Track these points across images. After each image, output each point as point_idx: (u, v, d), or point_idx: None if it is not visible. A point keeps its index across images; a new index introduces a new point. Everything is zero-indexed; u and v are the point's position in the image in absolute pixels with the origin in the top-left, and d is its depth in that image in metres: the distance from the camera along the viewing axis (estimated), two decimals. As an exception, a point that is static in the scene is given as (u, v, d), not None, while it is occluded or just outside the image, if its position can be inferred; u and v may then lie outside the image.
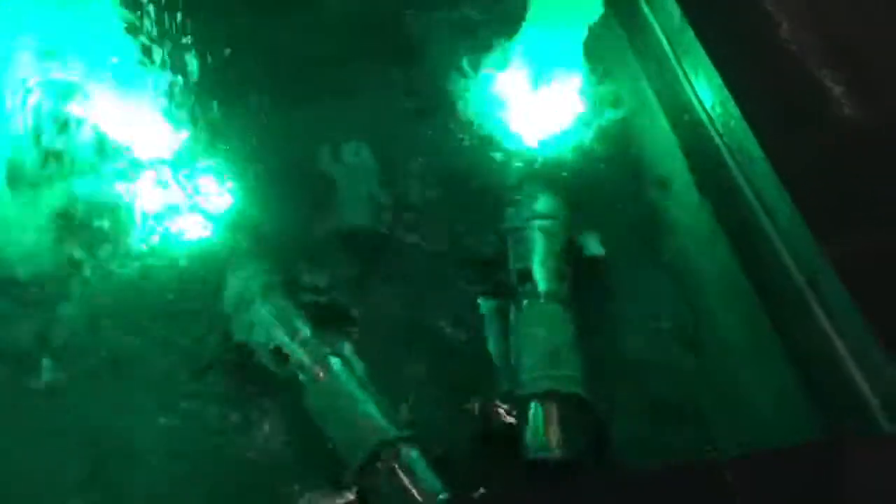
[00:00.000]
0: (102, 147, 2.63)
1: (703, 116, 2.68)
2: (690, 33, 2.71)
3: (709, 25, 2.72)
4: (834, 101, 2.46)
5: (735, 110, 2.48)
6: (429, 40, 3.29)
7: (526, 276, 2.64)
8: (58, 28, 2.48)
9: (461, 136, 3.02)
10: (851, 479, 1.83)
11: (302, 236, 2.77)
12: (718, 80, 2.56)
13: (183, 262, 2.66)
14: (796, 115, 2.46)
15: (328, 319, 2.58)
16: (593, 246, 2.76)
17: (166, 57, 2.75)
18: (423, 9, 3.40)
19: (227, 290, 2.56)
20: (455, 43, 3.26)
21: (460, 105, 3.09)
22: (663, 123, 2.98)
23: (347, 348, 2.50)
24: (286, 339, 2.47)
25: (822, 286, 2.13)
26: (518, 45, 3.05)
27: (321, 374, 2.41)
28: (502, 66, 3.08)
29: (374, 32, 3.31)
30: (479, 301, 2.63)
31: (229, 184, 2.79)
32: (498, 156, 2.99)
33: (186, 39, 2.83)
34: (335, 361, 2.44)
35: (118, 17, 2.59)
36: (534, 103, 3.05)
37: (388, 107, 3.09)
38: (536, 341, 2.49)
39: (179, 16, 2.83)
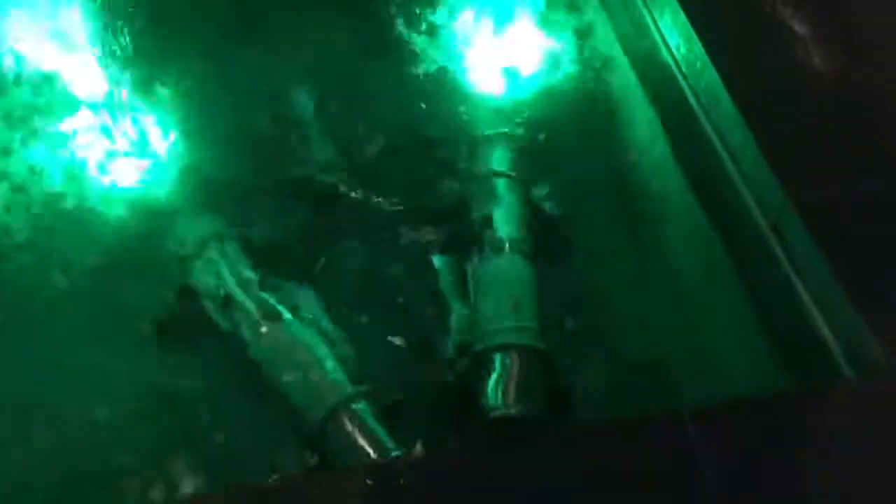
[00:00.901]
0: (33, 82, 2.49)
1: (668, 57, 2.58)
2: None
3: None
4: (807, 44, 2.37)
5: (700, 50, 2.38)
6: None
7: (488, 223, 2.57)
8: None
9: (416, 83, 2.91)
10: (813, 428, 1.78)
11: (250, 185, 2.65)
12: (683, 18, 2.46)
13: (123, 210, 2.54)
14: (766, 57, 2.37)
15: (279, 271, 2.50)
16: (549, 198, 2.70)
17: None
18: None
19: (174, 237, 2.47)
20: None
21: (415, 50, 2.98)
22: (626, 64, 2.88)
23: (300, 298, 2.43)
24: (236, 288, 2.39)
25: (786, 232, 2.06)
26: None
27: (272, 325, 2.34)
28: (457, 7, 2.96)
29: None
30: (434, 258, 2.54)
31: (171, 130, 2.67)
32: (454, 102, 2.89)
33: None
34: (286, 311, 2.37)
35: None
36: (491, 47, 2.95)
37: (338, 52, 2.97)
38: (499, 292, 2.43)
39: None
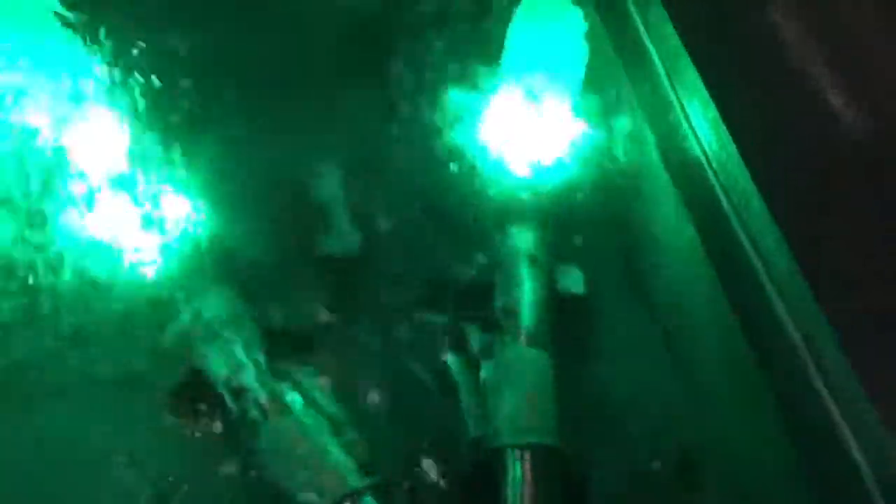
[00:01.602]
0: (57, 158, 2.47)
1: (698, 151, 2.52)
2: (686, 59, 2.54)
3: (706, 52, 2.56)
4: (844, 143, 2.31)
5: (731, 147, 2.32)
6: (412, 60, 3.12)
7: (507, 310, 2.51)
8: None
9: (441, 162, 2.86)
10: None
11: (271, 260, 2.62)
12: (714, 113, 2.40)
13: (140, 285, 2.50)
14: (803, 156, 2.30)
15: (292, 350, 2.46)
16: (574, 283, 2.64)
17: (132, 64, 2.61)
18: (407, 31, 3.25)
19: (187, 314, 2.42)
20: (441, 63, 3.09)
21: (445, 128, 2.93)
22: (656, 154, 2.82)
23: (311, 380, 2.38)
24: (247, 373, 2.34)
25: (819, 344, 1.97)
26: (506, 66, 2.88)
27: (281, 414, 2.28)
28: (489, 86, 2.92)
29: (353, 50, 3.14)
30: (450, 344, 2.48)
31: (195, 203, 2.63)
32: (482, 182, 2.83)
33: (154, 50, 2.71)
34: (297, 398, 2.32)
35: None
36: (522, 128, 2.89)
37: (367, 127, 2.94)
38: (515, 386, 2.37)
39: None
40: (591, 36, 2.97)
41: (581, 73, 2.85)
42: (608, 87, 3.00)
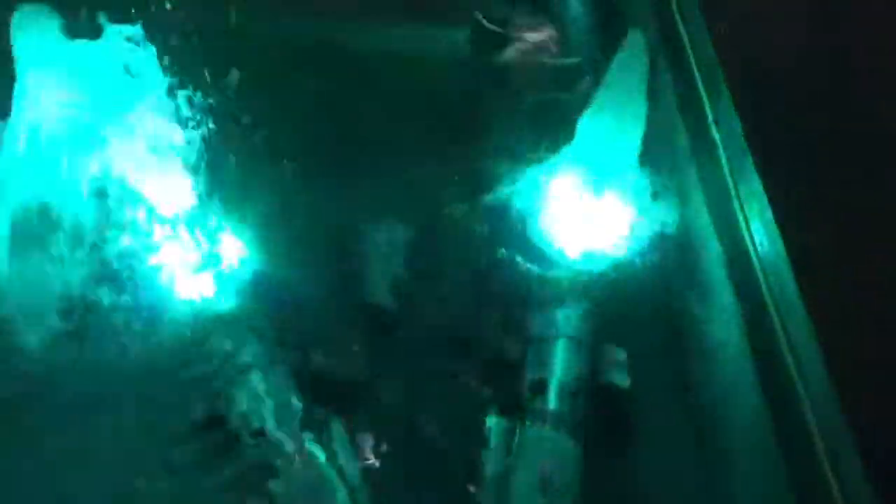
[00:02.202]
0: (119, 198, 2.57)
1: (752, 251, 2.48)
2: (749, 160, 2.52)
3: (771, 152, 2.53)
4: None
5: (782, 251, 2.28)
6: (484, 137, 3.17)
7: (539, 387, 2.49)
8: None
9: (489, 232, 2.88)
10: None
11: (315, 307, 2.67)
12: (770, 216, 2.37)
13: (187, 323, 2.56)
14: (854, 275, 2.25)
15: (323, 400, 2.48)
16: (616, 370, 2.60)
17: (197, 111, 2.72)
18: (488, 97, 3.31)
19: (218, 356, 2.47)
20: (514, 136, 3.13)
21: (505, 200, 2.96)
22: (717, 249, 2.78)
23: (336, 433, 2.40)
24: (271, 416, 2.37)
25: (843, 469, 1.90)
26: (573, 150, 2.90)
27: (300, 462, 2.30)
28: (554, 167, 2.93)
29: (428, 121, 3.21)
30: (489, 418, 2.46)
31: (241, 244, 2.70)
32: (533, 259, 2.83)
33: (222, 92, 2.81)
34: (320, 451, 2.34)
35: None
36: (582, 210, 2.89)
37: (426, 194, 2.98)
38: (532, 465, 2.33)
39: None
40: (661, 124, 2.99)
41: (644, 158, 2.84)
42: (674, 175, 2.99)
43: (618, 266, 2.81)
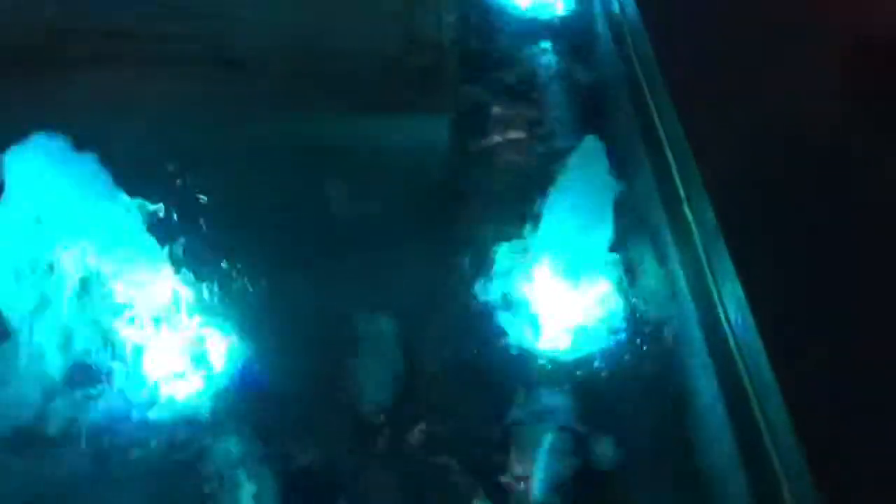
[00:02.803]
0: (98, 295, 2.61)
1: (728, 331, 2.51)
2: (721, 241, 2.57)
3: (742, 235, 2.58)
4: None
5: (754, 329, 2.31)
6: (466, 218, 3.23)
7: (524, 478, 2.49)
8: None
9: (479, 322, 2.92)
10: None
11: (301, 404, 2.69)
12: (740, 291, 2.40)
13: (171, 422, 2.58)
14: (830, 358, 2.27)
15: (311, 499, 2.48)
16: (603, 455, 2.60)
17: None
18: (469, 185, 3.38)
19: (208, 458, 2.49)
20: (495, 222, 3.19)
21: (487, 288, 3.00)
22: (696, 330, 2.80)
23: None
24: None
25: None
26: (552, 235, 2.94)
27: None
28: (535, 253, 2.98)
29: (415, 207, 3.29)
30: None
31: (233, 342, 2.74)
32: (514, 347, 2.87)
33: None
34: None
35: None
36: (562, 296, 2.93)
37: (414, 279, 3.03)
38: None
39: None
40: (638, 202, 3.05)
41: (617, 237, 2.89)
42: (651, 254, 3.03)
43: (602, 351, 2.84)
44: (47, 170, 2.45)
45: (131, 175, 2.65)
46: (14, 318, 2.58)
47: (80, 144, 2.59)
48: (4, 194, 2.48)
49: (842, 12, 3.44)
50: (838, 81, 3.25)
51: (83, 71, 3.40)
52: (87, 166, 2.49)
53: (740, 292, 2.41)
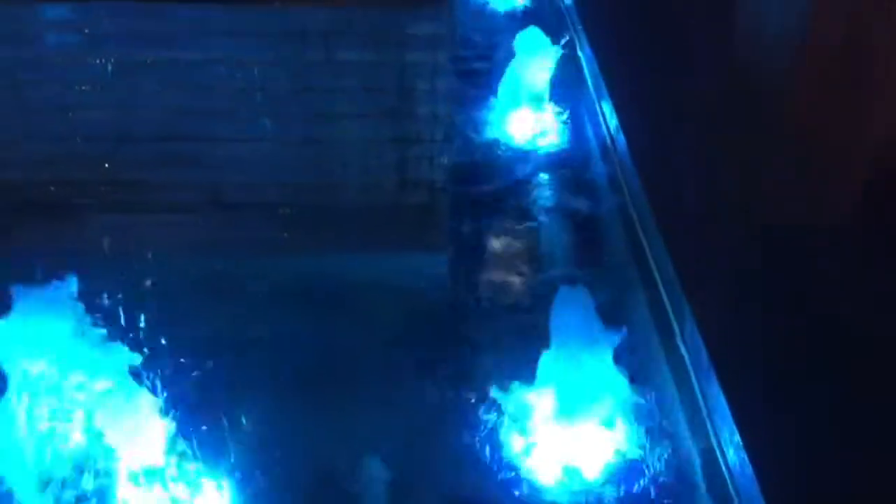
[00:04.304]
0: (90, 450, 2.60)
1: (722, 465, 2.49)
2: (713, 375, 2.57)
3: (733, 369, 2.59)
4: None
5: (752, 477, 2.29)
6: (467, 355, 3.24)
7: None
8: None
9: (472, 458, 2.88)
10: None
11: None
12: (735, 434, 2.39)
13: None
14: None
15: None
16: None
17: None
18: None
19: None
20: (495, 360, 3.19)
21: (490, 431, 2.98)
22: (694, 460, 2.78)
23: None
24: None
25: None
26: (545, 377, 2.94)
27: None
28: (527, 396, 2.97)
29: (407, 342, 3.29)
30: None
31: (226, 491, 2.71)
32: (518, 482, 2.82)
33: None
34: None
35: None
36: (565, 435, 2.90)
37: (415, 423, 2.99)
38: None
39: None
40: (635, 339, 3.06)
41: (615, 377, 2.88)
42: (650, 394, 3.02)
43: (600, 497, 2.80)
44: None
45: (131, 318, 2.69)
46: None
47: (85, 286, 2.72)
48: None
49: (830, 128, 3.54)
50: (827, 201, 3.32)
51: (92, 217, 3.50)
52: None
53: (737, 437, 2.41)
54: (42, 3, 3.19)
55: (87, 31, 3.19)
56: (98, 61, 3.24)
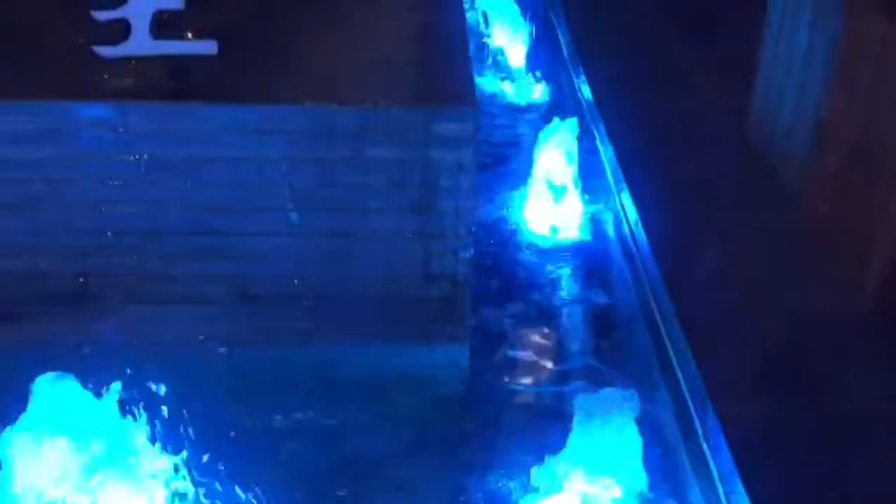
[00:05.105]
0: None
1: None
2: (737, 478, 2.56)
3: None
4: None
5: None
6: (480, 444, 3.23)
7: None
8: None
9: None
10: None
11: None
12: None
13: None
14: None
15: None
16: None
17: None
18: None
19: None
20: (516, 451, 3.19)
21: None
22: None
23: None
24: None
25: None
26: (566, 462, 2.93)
27: None
28: (553, 485, 2.96)
29: (428, 434, 3.30)
30: None
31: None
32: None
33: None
34: None
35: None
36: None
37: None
38: None
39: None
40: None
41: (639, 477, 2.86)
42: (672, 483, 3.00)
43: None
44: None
45: (155, 408, 2.72)
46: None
47: (111, 376, 2.80)
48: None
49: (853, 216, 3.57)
50: (851, 292, 3.34)
51: (117, 309, 3.55)
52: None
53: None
54: (77, 102, 3.27)
55: (120, 129, 3.28)
56: (130, 158, 3.33)
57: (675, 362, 3.24)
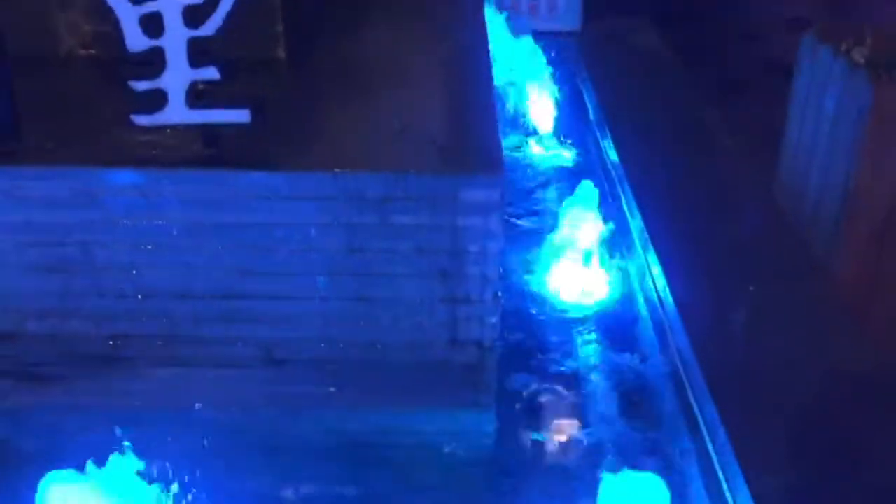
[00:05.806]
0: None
1: None
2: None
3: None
4: None
5: None
6: None
7: None
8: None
9: None
10: None
11: None
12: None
13: None
14: None
15: None
16: None
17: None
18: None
19: None
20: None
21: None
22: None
23: None
24: None
25: None
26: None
27: None
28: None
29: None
30: None
31: None
32: None
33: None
34: None
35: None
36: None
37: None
38: None
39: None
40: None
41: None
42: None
43: None
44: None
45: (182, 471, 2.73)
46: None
47: (140, 438, 2.88)
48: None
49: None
50: (883, 361, 3.31)
51: (144, 371, 3.59)
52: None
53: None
54: (110, 169, 3.34)
55: (153, 195, 3.34)
56: (162, 223, 3.38)
57: (703, 429, 3.20)
